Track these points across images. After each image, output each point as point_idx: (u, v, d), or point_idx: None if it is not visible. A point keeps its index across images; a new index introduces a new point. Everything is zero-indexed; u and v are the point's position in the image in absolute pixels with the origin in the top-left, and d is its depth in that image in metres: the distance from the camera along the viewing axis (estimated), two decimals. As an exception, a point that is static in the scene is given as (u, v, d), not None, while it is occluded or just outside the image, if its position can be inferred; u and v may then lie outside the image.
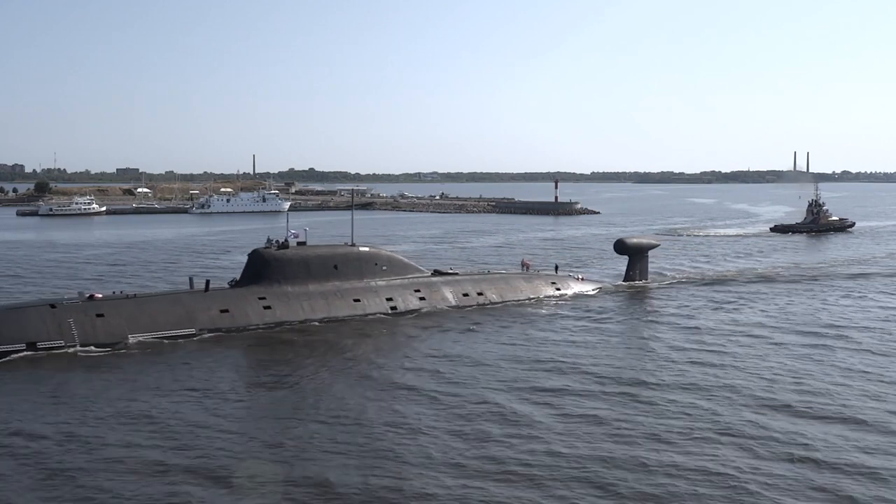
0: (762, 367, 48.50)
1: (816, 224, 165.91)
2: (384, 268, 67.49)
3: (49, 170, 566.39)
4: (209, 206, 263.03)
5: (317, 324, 60.00)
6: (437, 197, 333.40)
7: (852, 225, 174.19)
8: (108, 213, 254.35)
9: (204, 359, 50.25)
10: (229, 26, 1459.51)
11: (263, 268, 61.82)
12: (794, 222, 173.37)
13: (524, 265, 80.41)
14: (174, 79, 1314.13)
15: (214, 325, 56.72)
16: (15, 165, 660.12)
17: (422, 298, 67.04)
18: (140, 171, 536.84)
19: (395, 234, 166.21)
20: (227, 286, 62.18)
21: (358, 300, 63.70)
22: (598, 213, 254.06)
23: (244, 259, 66.01)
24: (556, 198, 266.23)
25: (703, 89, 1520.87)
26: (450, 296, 68.72)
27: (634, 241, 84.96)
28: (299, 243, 65.03)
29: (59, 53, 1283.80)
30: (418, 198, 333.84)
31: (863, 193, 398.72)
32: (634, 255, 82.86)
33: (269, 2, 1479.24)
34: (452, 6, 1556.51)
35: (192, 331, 55.58)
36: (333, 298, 62.74)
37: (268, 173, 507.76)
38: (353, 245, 67.66)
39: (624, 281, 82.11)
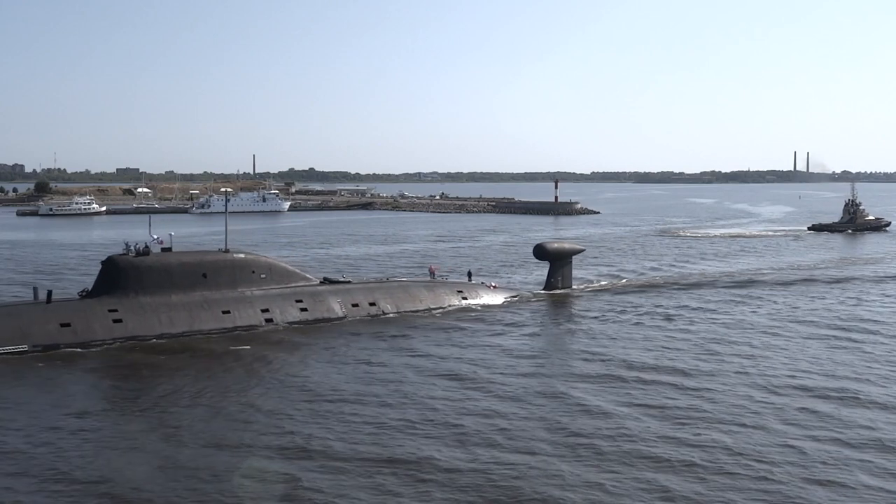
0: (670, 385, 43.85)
1: (853, 223, 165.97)
2: (263, 276, 62.77)
3: (49, 170, 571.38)
4: (209, 205, 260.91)
5: (175, 338, 55.55)
6: (437, 197, 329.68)
7: (888, 224, 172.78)
8: (108, 212, 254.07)
9: (30, 379, 46.02)
10: (229, 26, 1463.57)
11: (117, 277, 57.29)
12: (831, 221, 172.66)
13: (431, 272, 75.21)
14: (174, 79, 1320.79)
15: (52, 340, 52.29)
16: (15, 165, 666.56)
17: (303, 309, 62.27)
18: (140, 170, 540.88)
19: (395, 233, 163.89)
20: (76, 297, 57.97)
21: (227, 312, 59.07)
22: (598, 212, 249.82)
23: None
24: (556, 198, 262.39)
25: (703, 89, 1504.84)
26: (336, 306, 63.87)
27: (555, 245, 79.32)
28: (164, 249, 60.59)
29: (59, 53, 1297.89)
30: (418, 198, 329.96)
31: (863, 193, 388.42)
32: (556, 260, 77.23)
33: (269, 2, 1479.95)
34: (452, 6, 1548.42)
35: (24, 347, 51.26)
36: (198, 310, 58.13)
37: (268, 173, 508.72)
38: (226, 251, 62.87)
39: (544, 289, 76.57)
